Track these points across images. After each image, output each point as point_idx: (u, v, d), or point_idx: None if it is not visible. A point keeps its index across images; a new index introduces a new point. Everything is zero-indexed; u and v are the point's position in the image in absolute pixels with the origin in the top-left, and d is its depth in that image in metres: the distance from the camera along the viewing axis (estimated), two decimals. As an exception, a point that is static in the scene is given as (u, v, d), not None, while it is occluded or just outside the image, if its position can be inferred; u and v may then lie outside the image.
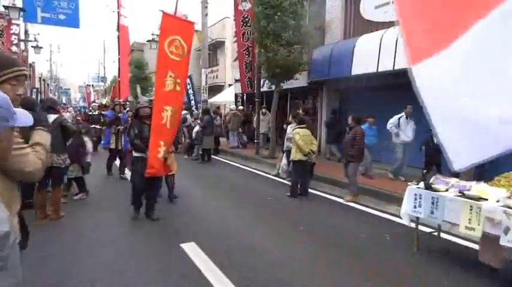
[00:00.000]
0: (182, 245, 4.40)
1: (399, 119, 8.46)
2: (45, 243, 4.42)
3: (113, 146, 8.80)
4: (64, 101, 43.47)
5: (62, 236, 4.79)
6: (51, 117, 5.40)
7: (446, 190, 4.03)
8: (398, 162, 8.50)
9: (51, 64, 47.51)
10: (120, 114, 9.23)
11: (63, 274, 3.67)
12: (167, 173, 5.95)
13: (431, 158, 7.44)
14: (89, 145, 7.07)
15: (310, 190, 7.47)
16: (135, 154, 5.45)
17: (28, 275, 3.45)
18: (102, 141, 12.26)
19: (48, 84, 44.77)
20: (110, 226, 5.24)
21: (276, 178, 9.12)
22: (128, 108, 10.79)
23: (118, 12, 6.78)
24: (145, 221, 5.41)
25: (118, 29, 7.04)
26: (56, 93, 48.45)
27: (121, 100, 15.71)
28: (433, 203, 3.99)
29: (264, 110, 13.81)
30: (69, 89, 64.80)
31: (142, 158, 5.29)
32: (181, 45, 5.30)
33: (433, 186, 4.13)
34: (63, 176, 5.99)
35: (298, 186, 7.27)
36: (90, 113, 13.90)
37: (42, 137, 1.92)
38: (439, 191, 4.01)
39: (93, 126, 12.23)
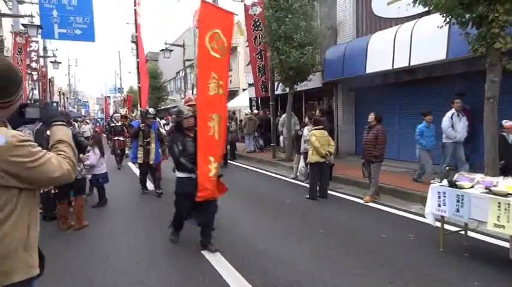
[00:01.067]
0: (203, 252, 4.38)
1: (451, 116, 7.49)
2: (66, 251, 4.48)
3: (140, 161, 7.73)
4: (83, 113, 44.48)
5: (81, 245, 4.85)
6: None
7: (472, 187, 3.88)
8: (446, 163, 7.37)
9: (70, 78, 48.80)
10: (141, 125, 7.87)
11: (84, 284, 3.70)
12: (223, 193, 4.62)
13: (502, 156, 6.11)
14: (92, 157, 6.55)
15: (329, 192, 7.36)
16: (179, 175, 4.52)
17: (51, 284, 3.54)
18: (128, 155, 10.86)
19: (67, 98, 46.03)
20: (129, 234, 5.28)
21: (294, 181, 9.04)
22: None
23: (136, 20, 6.69)
24: (163, 227, 5.43)
25: (136, 37, 6.95)
26: (75, 106, 49.75)
27: (123, 110, 16.22)
28: (458, 201, 3.85)
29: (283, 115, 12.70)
30: (87, 101, 66.45)
31: (187, 178, 4.40)
32: (221, 40, 4.39)
33: (457, 183, 3.98)
34: (84, 187, 6.11)
35: (317, 188, 7.17)
36: (113, 124, 13.42)
37: (64, 132, 1.74)
38: (463, 188, 3.87)
39: (116, 138, 12.28)
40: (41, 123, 6.04)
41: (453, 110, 7.51)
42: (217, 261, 4.10)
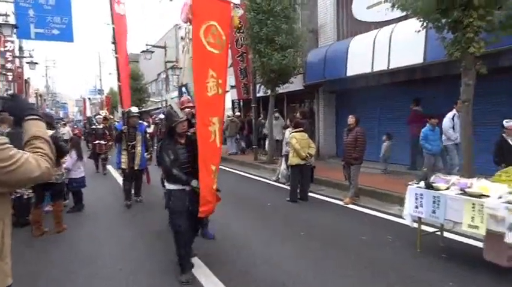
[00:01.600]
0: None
1: (453, 118, 7.35)
2: (42, 259, 4.33)
3: (125, 166, 7.00)
4: (61, 116, 43.41)
5: (58, 251, 4.69)
6: (48, 133, 5.34)
7: (447, 188, 3.95)
8: (457, 166, 7.13)
9: (47, 79, 47.60)
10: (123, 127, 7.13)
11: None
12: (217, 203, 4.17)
13: (503, 159, 5.61)
14: (69, 161, 6.43)
15: (310, 194, 7.38)
16: (170, 187, 3.90)
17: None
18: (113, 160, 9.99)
19: (44, 99, 44.84)
20: (107, 240, 5.15)
21: (276, 183, 9.04)
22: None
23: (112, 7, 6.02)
24: (144, 234, 5.32)
25: (113, 29, 6.20)
26: (53, 108, 48.51)
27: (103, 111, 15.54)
28: (434, 202, 3.91)
29: (276, 115, 12.62)
30: (66, 103, 64.92)
31: (180, 191, 3.83)
32: (218, 32, 3.96)
33: (433, 185, 4.05)
34: (62, 191, 5.96)
35: (298, 190, 7.18)
36: (94, 126, 12.18)
37: (38, 127, 1.66)
38: (439, 190, 3.94)
39: (97, 142, 11.25)
40: (15, 125, 5.87)
41: (454, 111, 7.35)
42: (197, 266, 4.03)
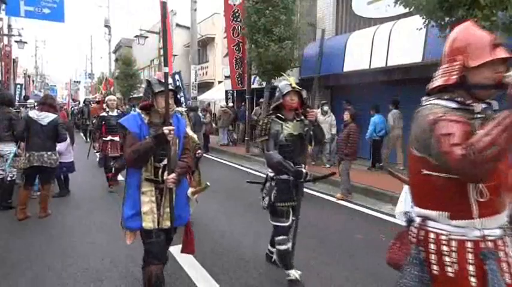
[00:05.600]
0: (171, 248, 4.17)
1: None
2: (23, 244, 4.15)
3: (149, 223, 3.32)
4: (50, 98, 42.35)
5: (41, 238, 4.51)
6: (50, 117, 5.20)
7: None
8: None
9: (36, 60, 46.50)
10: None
11: (36, 281, 3.42)
12: None
13: None
14: (62, 145, 5.91)
15: (304, 189, 7.27)
16: (277, 176, 3.31)
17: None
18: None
19: (33, 81, 43.85)
20: (92, 227, 4.98)
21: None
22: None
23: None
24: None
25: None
26: (42, 90, 47.48)
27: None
28: (432, 203, 3.83)
29: (325, 108, 9.76)
30: (55, 85, 63.60)
31: (286, 181, 3.31)
32: None
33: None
34: (53, 176, 5.79)
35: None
36: (105, 114, 7.15)
37: None
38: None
39: (110, 138, 6.97)
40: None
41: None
42: (185, 258, 3.90)
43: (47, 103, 5.42)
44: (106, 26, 31.24)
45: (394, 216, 5.05)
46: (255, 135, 3.85)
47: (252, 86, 13.15)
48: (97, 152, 7.56)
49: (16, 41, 21.51)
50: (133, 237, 2.79)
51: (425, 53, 7.92)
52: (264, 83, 11.69)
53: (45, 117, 5.20)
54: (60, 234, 4.74)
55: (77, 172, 7.01)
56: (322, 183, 8.15)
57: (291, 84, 3.32)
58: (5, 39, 20.97)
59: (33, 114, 5.27)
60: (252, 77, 12.75)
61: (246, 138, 13.03)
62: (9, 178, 5.62)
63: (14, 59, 23.61)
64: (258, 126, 3.43)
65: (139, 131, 2.61)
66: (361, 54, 9.50)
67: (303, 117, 3.39)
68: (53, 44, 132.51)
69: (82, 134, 16.87)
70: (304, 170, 3.22)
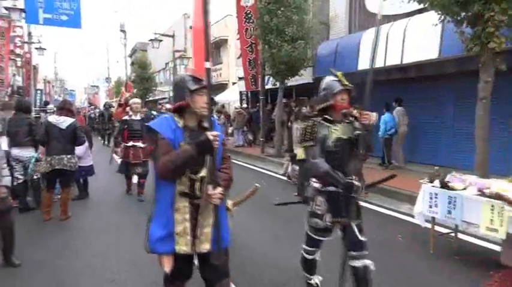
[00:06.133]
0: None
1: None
2: (42, 245, 4.28)
3: (186, 246, 2.50)
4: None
5: (59, 239, 4.64)
6: (68, 121, 5.35)
7: (464, 189, 3.80)
8: None
9: (55, 66, 47.70)
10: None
11: (54, 282, 3.52)
12: None
13: None
14: (81, 148, 6.08)
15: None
16: (324, 188, 2.88)
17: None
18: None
19: (53, 86, 44.99)
20: (113, 230, 5.09)
21: (284, 177, 8.92)
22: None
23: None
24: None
25: None
26: (61, 95, 48.65)
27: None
28: (450, 202, 3.77)
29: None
30: (74, 90, 65.04)
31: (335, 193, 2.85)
32: None
33: (449, 184, 3.90)
34: (72, 179, 5.94)
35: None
36: (127, 117, 6.70)
37: None
38: (456, 190, 3.79)
39: (132, 144, 6.51)
40: (14, 112, 5.78)
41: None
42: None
43: (65, 108, 5.58)
44: (121, 30, 31.80)
45: (411, 215, 5.00)
46: (297, 139, 3.15)
47: (266, 87, 13.16)
48: (120, 158, 7.01)
49: (36, 48, 22.13)
50: (171, 261, 2.28)
51: (441, 49, 7.76)
52: (278, 84, 11.68)
53: (64, 122, 5.35)
54: (77, 235, 4.87)
55: (96, 175, 7.16)
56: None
57: (339, 81, 2.88)
58: (26, 46, 21.61)
59: (52, 119, 5.43)
60: (266, 77, 12.76)
61: (261, 139, 13.05)
62: (35, 177, 5.83)
63: (34, 66, 24.29)
64: (297, 130, 3.14)
65: (174, 136, 2.23)
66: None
67: (351, 118, 2.91)
68: (71, 50, 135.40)
69: (100, 138, 17.22)
70: (356, 183, 2.71)
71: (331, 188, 2.82)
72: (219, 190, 2.18)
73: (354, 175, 2.73)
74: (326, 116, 2.86)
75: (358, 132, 2.76)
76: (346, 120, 2.89)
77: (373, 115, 2.78)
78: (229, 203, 2.52)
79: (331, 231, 2.95)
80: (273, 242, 4.60)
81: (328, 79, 2.94)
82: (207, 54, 2.20)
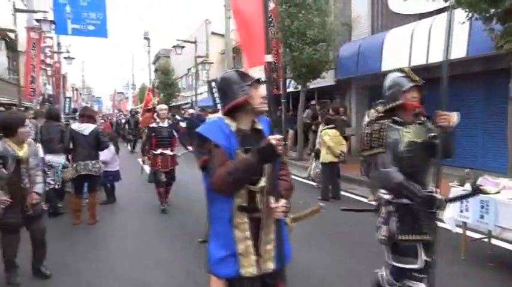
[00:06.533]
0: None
1: None
2: (70, 251, 4.41)
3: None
4: (95, 110, 44.79)
5: (89, 242, 4.76)
6: (90, 127, 5.50)
7: (498, 192, 3.65)
8: None
9: (83, 74, 49.37)
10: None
11: (79, 281, 3.62)
12: None
13: None
14: (107, 154, 6.48)
15: (342, 193, 7.16)
16: (401, 201, 2.51)
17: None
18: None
19: (80, 94, 46.57)
20: (138, 235, 5.18)
21: (307, 181, 8.84)
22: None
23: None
24: (173, 230, 5.31)
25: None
26: (89, 102, 50.28)
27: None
28: (482, 207, 3.62)
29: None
30: (100, 97, 67.09)
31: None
32: None
33: (481, 188, 3.75)
34: (98, 183, 6.07)
35: (330, 189, 6.98)
36: (154, 125, 6.41)
37: None
38: (489, 194, 3.64)
39: (160, 151, 6.19)
40: (45, 120, 6.00)
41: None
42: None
43: (86, 115, 5.74)
44: (145, 38, 32.63)
45: (440, 220, 4.82)
46: (363, 146, 2.70)
47: (288, 90, 13.12)
48: (149, 166, 6.75)
49: (65, 58, 22.97)
50: (223, 285, 2.03)
51: (469, 47, 7.52)
52: (300, 87, 11.62)
53: (86, 128, 5.50)
54: (103, 239, 5.00)
55: (122, 181, 7.32)
56: (362, 187, 7.95)
57: (408, 77, 2.54)
58: (55, 56, 22.46)
59: (75, 126, 5.60)
60: (287, 80, 12.72)
61: (284, 142, 12.96)
62: (57, 186, 6.01)
63: (63, 75, 25.22)
64: (359, 135, 2.86)
65: (229, 143, 1.91)
66: (399, 52, 9.19)
67: (423, 118, 2.60)
68: (98, 58, 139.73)
69: (126, 144, 17.65)
70: (438, 196, 2.35)
71: (405, 201, 2.46)
72: (283, 202, 1.91)
73: (434, 186, 2.40)
74: (395, 118, 2.53)
75: (432, 134, 2.44)
76: (418, 121, 2.56)
77: (454, 115, 2.45)
78: (289, 217, 2.21)
79: (416, 253, 2.54)
80: (298, 247, 4.54)
81: (394, 75, 2.62)
82: (267, 48, 2.00)
